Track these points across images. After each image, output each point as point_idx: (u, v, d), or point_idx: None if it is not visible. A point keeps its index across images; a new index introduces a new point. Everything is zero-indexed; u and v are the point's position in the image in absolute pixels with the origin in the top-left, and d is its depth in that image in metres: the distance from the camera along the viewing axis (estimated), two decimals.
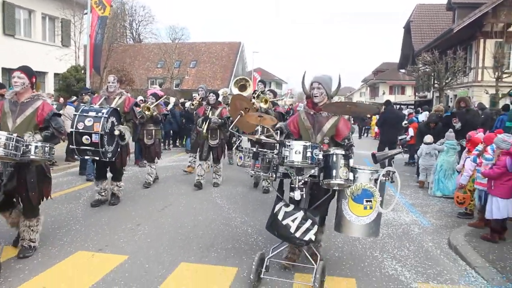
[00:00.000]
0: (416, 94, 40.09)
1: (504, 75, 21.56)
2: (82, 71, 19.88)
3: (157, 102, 9.01)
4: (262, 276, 4.05)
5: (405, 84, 52.66)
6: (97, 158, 6.23)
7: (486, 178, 5.71)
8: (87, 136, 5.81)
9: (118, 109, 6.62)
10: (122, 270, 4.34)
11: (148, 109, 8.58)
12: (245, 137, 5.29)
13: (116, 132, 6.31)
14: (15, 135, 4.18)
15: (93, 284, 3.96)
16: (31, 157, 4.39)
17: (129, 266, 4.43)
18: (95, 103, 6.90)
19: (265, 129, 5.02)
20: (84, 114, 5.95)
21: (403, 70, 40.89)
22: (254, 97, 8.51)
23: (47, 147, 4.55)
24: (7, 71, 18.40)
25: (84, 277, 4.13)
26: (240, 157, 4.47)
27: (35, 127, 4.72)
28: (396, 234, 5.97)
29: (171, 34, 43.42)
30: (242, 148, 4.58)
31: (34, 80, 4.83)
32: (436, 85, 26.36)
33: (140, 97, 14.57)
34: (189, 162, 10.47)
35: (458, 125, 9.40)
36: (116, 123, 6.35)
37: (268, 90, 9.21)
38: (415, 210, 7.44)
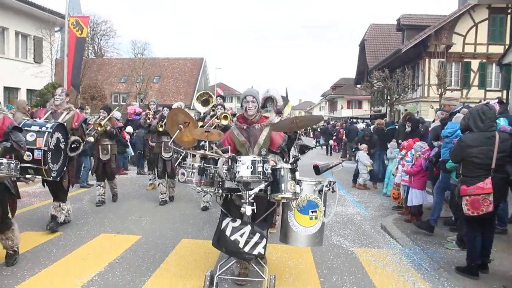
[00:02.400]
0: (372, 108, 42.77)
1: (447, 92, 24.20)
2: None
3: (109, 116, 8.43)
4: None
5: (362, 99, 55.52)
6: (39, 177, 5.91)
7: (408, 175, 7.56)
8: (28, 152, 5.26)
9: (65, 124, 6.15)
10: (140, 244, 5.88)
11: (100, 125, 8.03)
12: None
13: (73, 138, 6.17)
14: None
15: (123, 251, 5.50)
16: None
17: (144, 242, 5.96)
18: (40, 117, 6.25)
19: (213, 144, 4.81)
20: (26, 128, 5.45)
21: (359, 86, 43.57)
22: (213, 110, 8.50)
23: (12, 163, 4.43)
24: None
25: (114, 247, 5.65)
26: (182, 173, 4.32)
27: None
28: (342, 221, 7.72)
29: (134, 49, 43.99)
30: (184, 163, 4.43)
31: None
32: (388, 101, 28.84)
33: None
34: (150, 180, 10.45)
35: (409, 128, 11.24)
36: (62, 140, 5.94)
37: (219, 105, 8.71)
38: (360, 205, 9.24)
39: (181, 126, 5.19)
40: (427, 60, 26.66)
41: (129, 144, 13.50)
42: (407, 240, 6.33)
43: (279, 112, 6.24)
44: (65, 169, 6.15)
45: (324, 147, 26.92)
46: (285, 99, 6.83)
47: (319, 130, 39.84)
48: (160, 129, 8.47)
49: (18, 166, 4.52)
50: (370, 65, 34.74)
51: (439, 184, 6.80)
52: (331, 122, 36.99)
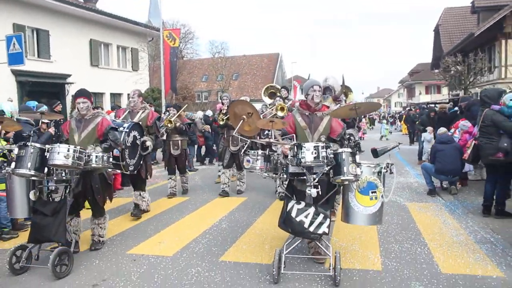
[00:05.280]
0: (450, 93, 42.49)
1: None
2: (156, 92, 24.21)
3: (178, 113, 8.93)
4: (282, 271, 4.35)
5: (440, 84, 54.65)
6: (119, 171, 6.59)
7: None
8: None
9: (140, 123, 6.81)
10: (247, 201, 8.30)
11: (170, 121, 8.51)
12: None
13: (142, 139, 6.62)
14: (78, 147, 4.83)
15: (238, 205, 7.95)
16: (93, 165, 5.02)
17: (250, 201, 8.34)
18: (119, 116, 7.16)
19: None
20: None
21: (436, 70, 43.36)
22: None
23: (105, 156, 5.16)
24: (94, 95, 22.63)
25: (230, 203, 8.12)
26: (248, 160, 4.65)
27: (96, 140, 5.41)
28: (402, 187, 9.57)
29: (211, 49, 45.52)
30: (249, 151, 4.75)
31: (92, 99, 5.62)
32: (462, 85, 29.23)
33: (209, 112, 18.52)
34: (219, 172, 10.27)
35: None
36: (138, 137, 6.54)
37: (282, 87, 9.29)
38: (420, 177, 10.79)
39: (244, 117, 5.48)
40: (503, 41, 26.64)
41: None
42: (450, 197, 8.14)
43: (336, 99, 6.79)
44: (141, 162, 6.82)
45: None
46: (343, 86, 7.20)
47: (396, 116, 40.43)
48: (221, 123, 8.77)
49: (110, 159, 5.29)
50: (446, 50, 34.79)
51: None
52: (409, 108, 37.46)
